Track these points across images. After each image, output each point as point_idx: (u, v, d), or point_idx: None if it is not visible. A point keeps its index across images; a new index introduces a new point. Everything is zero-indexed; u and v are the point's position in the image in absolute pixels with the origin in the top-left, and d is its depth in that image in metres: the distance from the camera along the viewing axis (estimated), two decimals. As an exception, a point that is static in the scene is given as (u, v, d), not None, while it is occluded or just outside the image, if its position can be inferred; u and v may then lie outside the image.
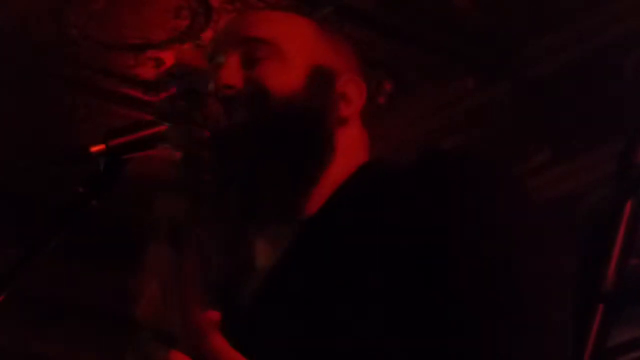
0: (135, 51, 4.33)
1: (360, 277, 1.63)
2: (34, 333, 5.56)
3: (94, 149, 1.74)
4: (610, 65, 4.48)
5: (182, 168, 1.77)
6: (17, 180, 4.25)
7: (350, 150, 1.84)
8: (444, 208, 1.63)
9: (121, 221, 4.39)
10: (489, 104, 4.81)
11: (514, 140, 5.05)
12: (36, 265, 1.68)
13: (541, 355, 1.52)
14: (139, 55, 4.35)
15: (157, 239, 1.75)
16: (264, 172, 1.77)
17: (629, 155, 1.04)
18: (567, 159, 5.15)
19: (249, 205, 1.78)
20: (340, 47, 1.92)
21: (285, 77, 1.80)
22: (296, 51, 1.84)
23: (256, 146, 1.77)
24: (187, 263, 1.70)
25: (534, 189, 5.29)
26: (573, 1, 4.22)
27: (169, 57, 4.35)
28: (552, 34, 4.41)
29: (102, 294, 5.52)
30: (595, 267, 0.98)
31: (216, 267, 1.77)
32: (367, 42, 4.27)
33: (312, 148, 1.80)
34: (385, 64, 4.45)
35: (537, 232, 1.66)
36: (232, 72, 1.82)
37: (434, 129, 4.91)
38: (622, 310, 0.98)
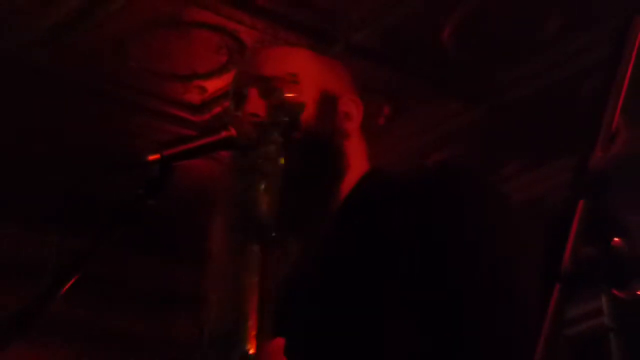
0: (184, 80, 4.33)
1: (372, 264, 1.61)
2: (105, 309, 5.55)
3: (151, 157, 1.75)
4: (569, 92, 4.47)
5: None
6: (87, 184, 4.25)
7: (354, 159, 1.83)
8: (443, 208, 1.62)
9: (170, 219, 4.40)
10: (469, 124, 4.79)
11: (490, 153, 5.04)
12: (103, 252, 1.68)
13: (522, 329, 1.50)
14: (186, 84, 4.35)
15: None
16: (297, 185, 1.74)
17: (582, 165, 1.04)
18: (533, 169, 5.14)
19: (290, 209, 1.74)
20: (340, 72, 1.91)
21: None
22: (306, 81, 1.82)
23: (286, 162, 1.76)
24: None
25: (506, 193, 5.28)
26: (539, 39, 4.21)
27: (211, 85, 4.35)
28: (522, 67, 4.40)
29: (154, 278, 5.52)
30: (555, 254, 0.99)
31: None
32: (371, 73, 4.26)
33: (330, 159, 1.80)
34: (384, 91, 4.44)
35: (518, 229, 1.66)
36: (254, 103, 1.80)
37: (423, 145, 4.90)
38: (576, 289, 0.98)
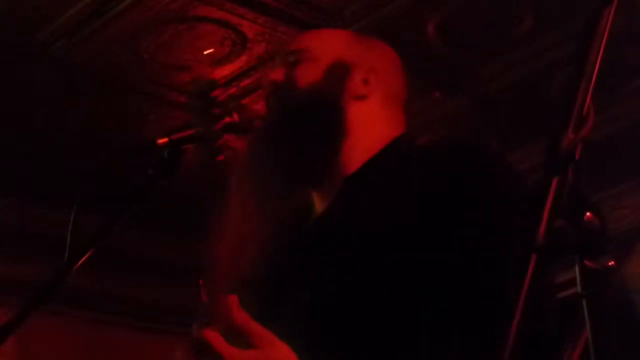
0: (191, 70, 4.32)
1: (391, 227, 1.55)
2: (119, 279, 5.54)
3: (160, 141, 1.75)
4: (542, 83, 4.49)
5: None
6: (102, 166, 4.25)
7: (368, 121, 1.79)
8: (467, 182, 1.56)
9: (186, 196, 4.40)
10: (451, 112, 4.80)
11: (470, 139, 5.04)
12: (122, 227, 1.68)
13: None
14: (193, 74, 4.35)
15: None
16: (292, 144, 1.74)
17: (554, 146, 1.04)
18: (509, 153, 5.15)
19: (293, 167, 1.74)
20: (374, 47, 1.91)
21: (309, 74, 1.79)
22: (323, 53, 1.82)
23: (284, 123, 1.76)
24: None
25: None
26: (515, 35, 4.22)
27: (215, 75, 4.35)
28: (500, 60, 4.41)
29: (170, 251, 5.50)
30: (530, 227, 0.98)
31: (272, 210, 1.72)
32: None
33: (324, 121, 1.76)
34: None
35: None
36: (276, 72, 1.82)
37: (409, 130, 4.89)
38: (550, 260, 0.98)
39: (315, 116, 1.76)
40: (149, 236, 5.37)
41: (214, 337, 1.44)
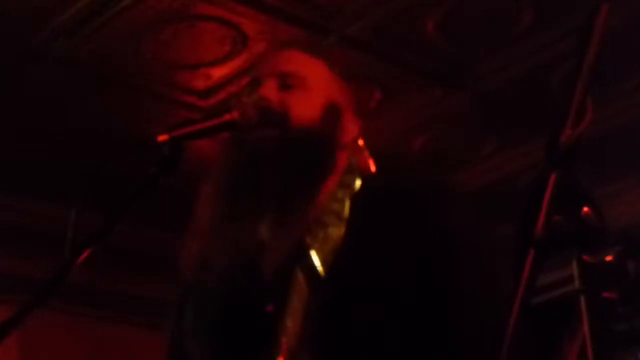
0: (191, 69, 4.32)
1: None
2: (120, 276, 5.54)
3: (160, 138, 1.74)
4: (541, 79, 4.48)
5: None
6: (103, 164, 4.25)
7: (342, 168, 1.81)
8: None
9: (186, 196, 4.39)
10: (452, 108, 4.80)
11: (470, 135, 5.05)
12: (124, 225, 1.68)
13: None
14: (193, 72, 4.34)
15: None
16: (281, 175, 1.73)
17: (552, 142, 1.04)
18: (509, 149, 5.15)
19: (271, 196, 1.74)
20: (344, 87, 1.88)
21: (305, 107, 1.78)
22: (316, 85, 1.81)
23: (280, 156, 1.74)
24: None
25: (483, 171, 5.30)
26: (514, 32, 4.22)
27: (215, 73, 4.35)
28: (499, 57, 4.41)
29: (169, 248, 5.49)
30: (529, 223, 0.98)
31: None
32: (363, 62, 4.26)
33: (320, 165, 1.77)
34: (375, 79, 4.44)
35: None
36: (269, 89, 1.79)
37: (411, 126, 4.91)
38: (548, 255, 0.98)
39: (312, 157, 1.75)
40: (150, 233, 5.36)
41: None
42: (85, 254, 1.64)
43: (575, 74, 1.06)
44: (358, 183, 1.74)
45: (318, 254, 1.46)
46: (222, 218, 1.75)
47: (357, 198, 1.70)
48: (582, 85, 1.04)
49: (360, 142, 1.84)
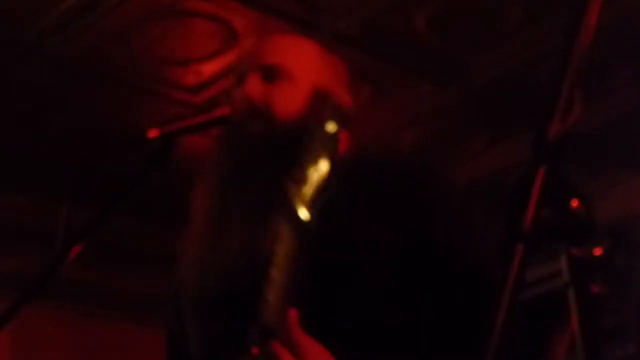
0: (182, 65, 4.31)
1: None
2: (111, 271, 5.52)
3: (151, 134, 1.74)
4: (531, 75, 4.49)
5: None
6: (94, 159, 4.24)
7: None
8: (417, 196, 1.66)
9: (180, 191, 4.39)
10: (442, 104, 4.80)
11: (460, 130, 5.06)
12: (111, 220, 1.67)
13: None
14: (184, 68, 4.34)
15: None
16: (269, 170, 1.70)
17: (540, 137, 1.04)
18: (498, 145, 5.15)
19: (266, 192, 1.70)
20: (336, 67, 1.87)
21: (290, 99, 1.75)
22: (302, 73, 1.78)
23: (266, 150, 1.72)
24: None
25: (473, 167, 5.31)
26: (502, 29, 4.23)
27: (206, 69, 4.34)
28: (487, 53, 4.42)
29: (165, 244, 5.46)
30: (517, 217, 0.98)
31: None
32: (352, 58, 4.25)
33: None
34: (365, 75, 4.44)
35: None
36: (253, 85, 1.76)
37: (400, 121, 4.92)
38: (537, 249, 0.98)
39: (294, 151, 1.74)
40: (143, 228, 5.35)
41: (283, 352, 1.44)
42: (76, 250, 1.64)
43: (563, 68, 1.06)
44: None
45: (300, 198, 1.40)
46: (216, 218, 1.73)
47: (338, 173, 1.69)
48: (570, 79, 1.05)
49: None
